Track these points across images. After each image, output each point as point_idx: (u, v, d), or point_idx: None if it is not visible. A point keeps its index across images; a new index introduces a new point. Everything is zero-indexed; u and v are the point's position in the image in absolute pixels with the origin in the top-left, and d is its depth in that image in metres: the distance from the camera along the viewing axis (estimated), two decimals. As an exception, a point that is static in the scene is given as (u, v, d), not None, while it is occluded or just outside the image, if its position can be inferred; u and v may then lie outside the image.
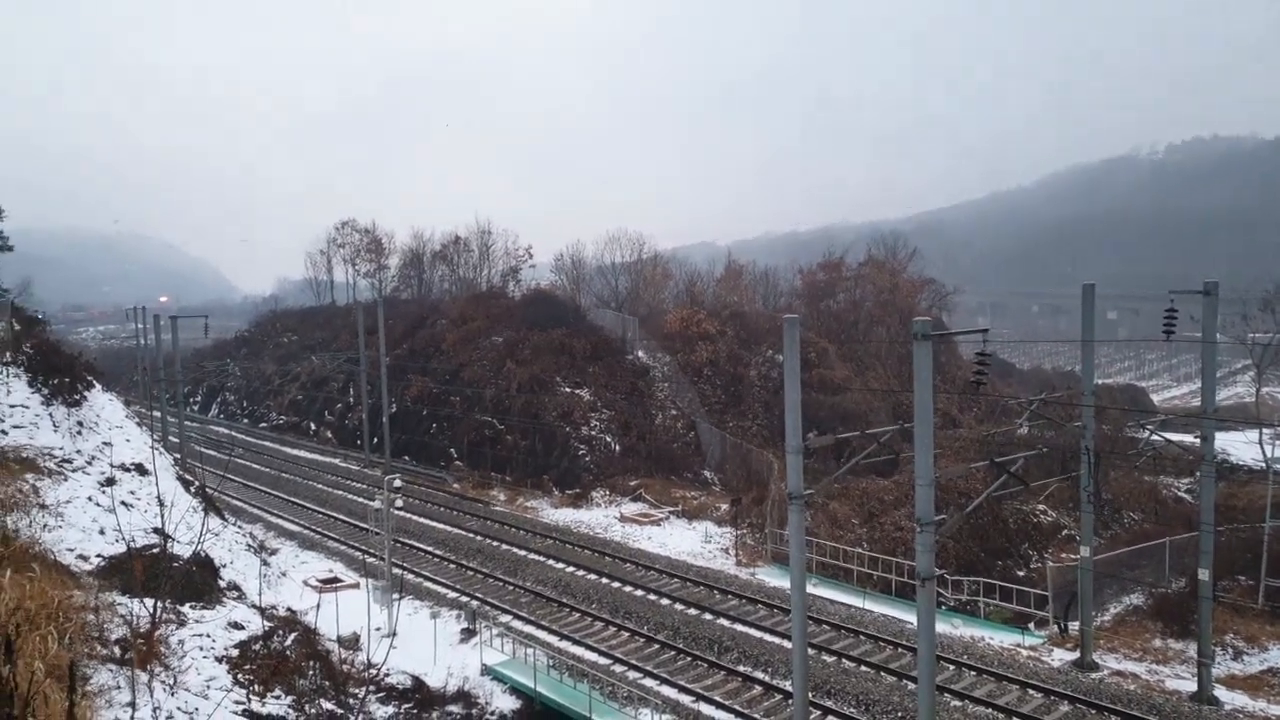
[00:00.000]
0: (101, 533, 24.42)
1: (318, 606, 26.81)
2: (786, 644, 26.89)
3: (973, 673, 25.75)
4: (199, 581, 24.85)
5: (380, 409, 61.54)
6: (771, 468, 43.72)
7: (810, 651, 24.32)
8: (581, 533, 43.31)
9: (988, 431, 38.42)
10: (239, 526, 39.78)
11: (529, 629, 30.56)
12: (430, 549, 40.87)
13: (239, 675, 19.48)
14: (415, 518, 46.29)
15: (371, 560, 37.57)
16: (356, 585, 34.81)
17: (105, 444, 30.64)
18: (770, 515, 39.30)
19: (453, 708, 25.20)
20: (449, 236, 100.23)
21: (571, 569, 37.15)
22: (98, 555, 23.04)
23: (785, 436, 19.50)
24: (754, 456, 49.34)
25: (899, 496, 38.73)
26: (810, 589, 24.74)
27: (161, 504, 24.59)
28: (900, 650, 27.40)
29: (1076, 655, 27.04)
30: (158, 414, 60.08)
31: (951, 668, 25.94)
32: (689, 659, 27.56)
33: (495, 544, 41.52)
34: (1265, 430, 36.25)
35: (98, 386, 36.86)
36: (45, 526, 22.64)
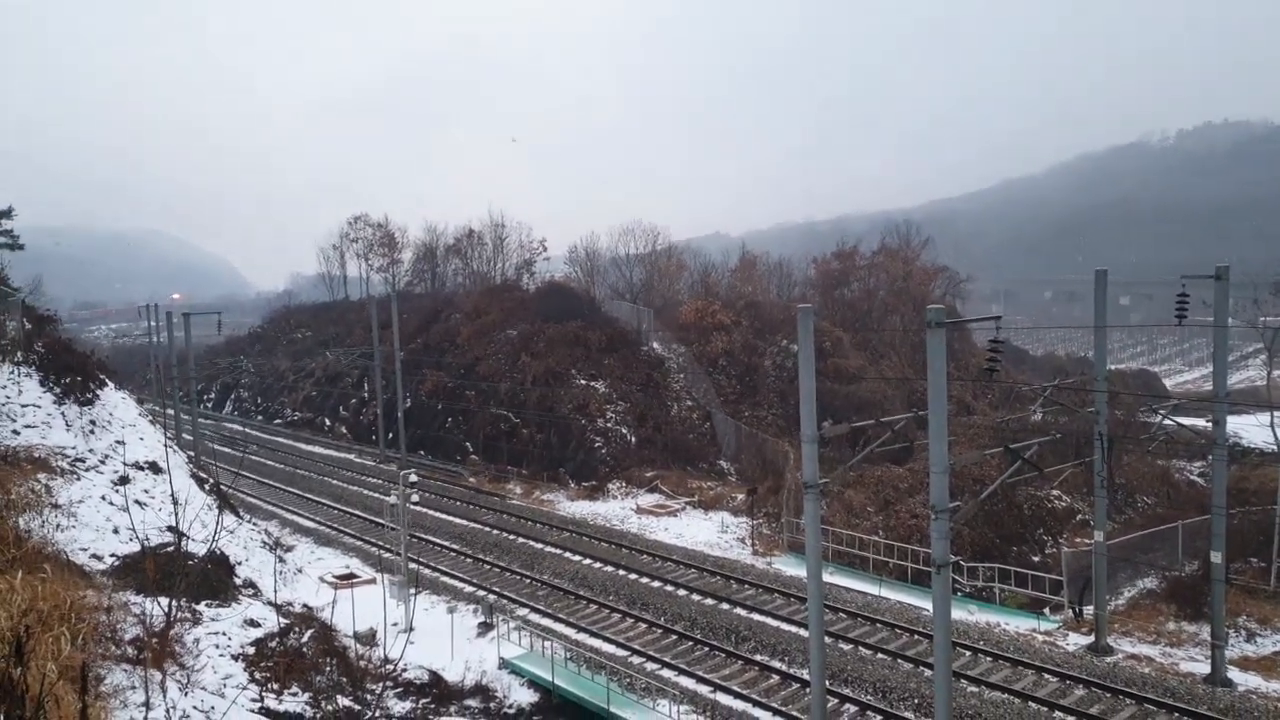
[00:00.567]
0: (115, 532, 24.50)
1: (334, 603, 26.78)
2: (803, 632, 26.83)
3: (988, 658, 25.68)
4: (214, 579, 24.90)
5: (395, 404, 61.65)
6: (787, 457, 43.61)
7: (827, 639, 24.29)
8: (598, 525, 43.32)
9: (1002, 418, 38.09)
10: (254, 523, 39.89)
11: (546, 622, 30.54)
12: (446, 543, 40.92)
13: (255, 673, 19.55)
14: (431, 512, 46.34)
15: (388, 556, 37.70)
16: (373, 581, 34.81)
17: (118, 443, 30.69)
18: (786, 504, 39.21)
19: (471, 701, 25.21)
20: (463, 230, 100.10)
21: (588, 561, 37.15)
22: (111, 555, 23.12)
23: (800, 425, 19.42)
24: (769, 446, 49.22)
25: (914, 484, 38.63)
26: (826, 577, 24.62)
27: (175, 502, 24.59)
28: (916, 637, 27.35)
29: (1091, 639, 26.92)
30: (171, 412, 60.39)
31: (967, 653, 25.90)
32: (706, 649, 27.52)
33: (512, 537, 41.55)
34: (1277, 413, 35.86)
35: (110, 385, 36.95)
36: (58, 526, 22.74)
